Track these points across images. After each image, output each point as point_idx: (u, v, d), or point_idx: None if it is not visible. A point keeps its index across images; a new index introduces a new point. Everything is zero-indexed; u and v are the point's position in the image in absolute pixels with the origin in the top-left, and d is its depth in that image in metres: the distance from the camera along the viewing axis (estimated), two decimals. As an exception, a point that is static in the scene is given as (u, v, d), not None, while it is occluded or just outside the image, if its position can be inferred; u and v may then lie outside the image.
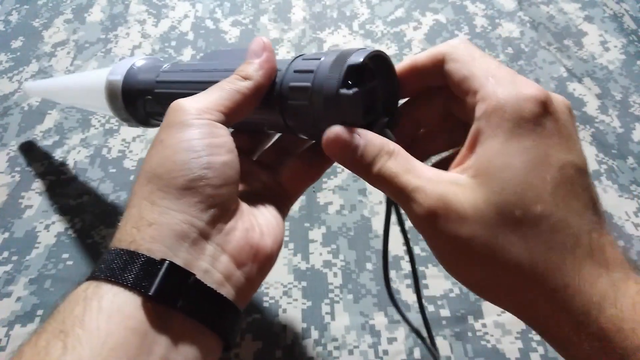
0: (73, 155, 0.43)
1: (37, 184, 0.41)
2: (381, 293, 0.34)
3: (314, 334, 0.32)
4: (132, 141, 0.45)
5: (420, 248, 0.37)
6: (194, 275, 0.19)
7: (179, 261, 0.19)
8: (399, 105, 0.24)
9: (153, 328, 0.17)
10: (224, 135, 0.21)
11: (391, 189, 0.19)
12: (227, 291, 0.20)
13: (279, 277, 0.35)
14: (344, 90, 0.20)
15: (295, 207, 0.39)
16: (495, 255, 0.17)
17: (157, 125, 0.31)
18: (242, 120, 0.23)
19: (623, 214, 0.39)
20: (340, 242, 0.37)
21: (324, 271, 0.36)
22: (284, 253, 0.37)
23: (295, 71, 0.22)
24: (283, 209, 0.25)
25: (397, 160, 0.19)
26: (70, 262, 0.36)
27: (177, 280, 0.18)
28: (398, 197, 0.19)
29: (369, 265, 0.36)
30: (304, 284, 0.35)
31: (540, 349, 0.31)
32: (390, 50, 0.53)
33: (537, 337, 0.32)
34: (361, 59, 0.20)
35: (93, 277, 0.19)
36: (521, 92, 0.18)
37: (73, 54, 0.53)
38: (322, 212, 0.39)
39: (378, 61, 0.22)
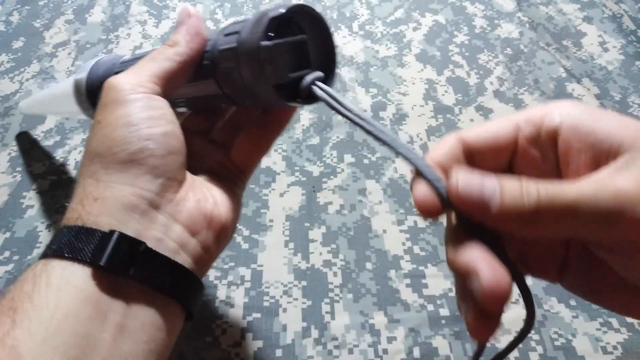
0: (74, 155, 0.44)
1: (39, 184, 0.41)
2: (381, 292, 0.35)
3: (314, 333, 0.32)
4: (133, 141, 0.45)
5: (420, 248, 0.37)
6: (144, 243, 0.19)
7: (129, 232, 0.19)
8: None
9: (106, 297, 0.18)
10: (162, 107, 0.21)
11: (566, 206, 0.14)
12: (182, 259, 0.20)
13: (279, 276, 0.35)
14: (264, 42, 0.20)
15: (295, 207, 0.40)
16: None
17: None
18: (185, 95, 0.23)
19: (622, 214, 0.39)
20: (340, 242, 0.37)
21: (324, 271, 0.36)
22: (284, 253, 0.37)
23: (225, 35, 0.22)
24: (239, 185, 0.25)
25: (551, 183, 0.15)
26: (71, 262, 0.36)
27: (128, 249, 0.18)
28: (581, 209, 0.14)
29: (368, 265, 0.36)
30: (304, 283, 0.35)
31: (539, 348, 0.32)
32: (390, 51, 0.53)
33: (536, 336, 0.32)
34: (283, 11, 0.20)
35: (43, 256, 0.19)
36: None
37: (74, 54, 0.53)
38: (322, 212, 0.39)
39: (306, 17, 0.22)
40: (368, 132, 0.20)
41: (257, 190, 0.41)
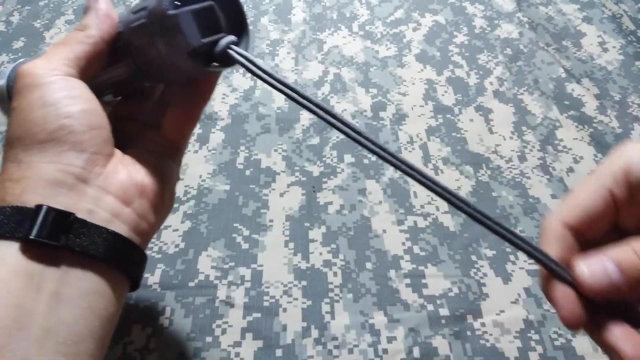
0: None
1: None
2: (381, 292, 0.35)
3: (314, 333, 0.32)
4: (133, 141, 0.45)
5: (420, 248, 0.37)
6: (72, 214, 0.19)
7: (57, 206, 0.19)
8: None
9: (38, 267, 0.18)
10: (79, 88, 0.21)
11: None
12: (117, 227, 0.20)
13: (279, 276, 0.35)
14: (171, 12, 0.20)
15: (295, 207, 0.40)
16: None
17: None
18: (108, 81, 0.23)
19: (621, 214, 0.39)
20: (340, 242, 0.37)
21: (324, 270, 0.36)
22: (284, 252, 0.37)
23: (133, 12, 0.22)
24: (175, 159, 0.26)
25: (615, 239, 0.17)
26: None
27: (55, 220, 0.19)
28: None
29: (368, 265, 0.36)
30: (304, 283, 0.35)
31: (539, 348, 0.32)
32: (389, 51, 0.53)
33: (536, 336, 0.32)
34: None
35: None
36: None
37: (74, 54, 0.53)
38: (322, 211, 0.39)
39: None
40: (291, 98, 0.21)
41: (257, 190, 0.41)
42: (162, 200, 0.23)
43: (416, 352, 0.32)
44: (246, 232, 0.38)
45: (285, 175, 0.42)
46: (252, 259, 0.36)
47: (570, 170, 0.42)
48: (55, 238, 0.18)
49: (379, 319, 0.33)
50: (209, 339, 0.32)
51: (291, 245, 0.37)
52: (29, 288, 0.18)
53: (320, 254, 0.37)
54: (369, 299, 0.34)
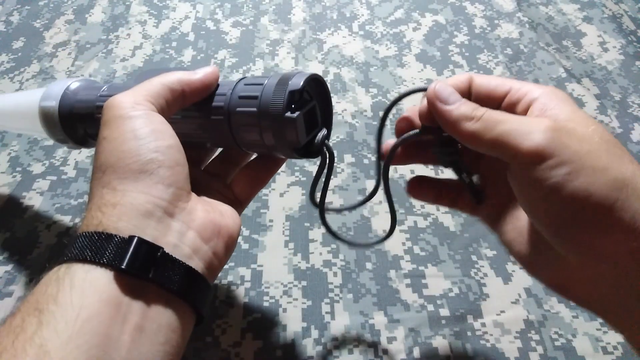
0: (74, 155, 0.44)
1: (38, 184, 0.41)
2: (381, 292, 0.35)
3: (314, 334, 0.32)
4: (133, 141, 0.45)
5: (420, 248, 0.37)
6: (162, 248, 0.20)
7: (147, 237, 0.19)
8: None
9: (126, 298, 0.18)
10: (163, 123, 0.22)
11: (496, 122, 0.20)
12: (195, 264, 0.21)
13: (279, 276, 0.35)
14: (288, 114, 0.22)
15: (295, 207, 0.40)
16: (611, 167, 0.18)
17: (92, 146, 0.32)
18: (186, 129, 0.25)
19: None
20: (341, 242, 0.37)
21: (324, 271, 0.36)
22: (284, 253, 0.37)
23: (241, 97, 0.24)
24: (237, 211, 0.26)
25: (498, 112, 0.21)
26: (71, 262, 0.36)
27: (147, 253, 0.19)
28: (502, 129, 0.20)
29: (368, 265, 0.36)
30: (304, 283, 0.35)
31: (540, 349, 0.32)
32: (389, 51, 0.53)
33: (537, 336, 0.32)
34: (301, 84, 0.23)
35: (65, 260, 0.19)
36: (546, 86, 0.22)
37: (74, 54, 0.53)
38: (322, 212, 0.39)
39: (313, 82, 0.25)
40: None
41: (257, 190, 0.41)
42: (233, 241, 0.24)
43: (416, 352, 0.31)
44: (246, 232, 0.38)
45: (285, 175, 0.42)
46: (252, 259, 0.36)
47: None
48: (145, 271, 0.19)
49: (379, 319, 0.33)
50: (208, 339, 0.32)
51: (291, 245, 0.37)
52: (116, 318, 0.18)
53: (320, 254, 0.37)
54: (369, 299, 0.34)
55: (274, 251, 0.37)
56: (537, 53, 0.53)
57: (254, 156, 0.29)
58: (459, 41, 0.54)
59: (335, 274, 0.36)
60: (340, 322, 0.33)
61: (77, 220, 0.39)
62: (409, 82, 0.50)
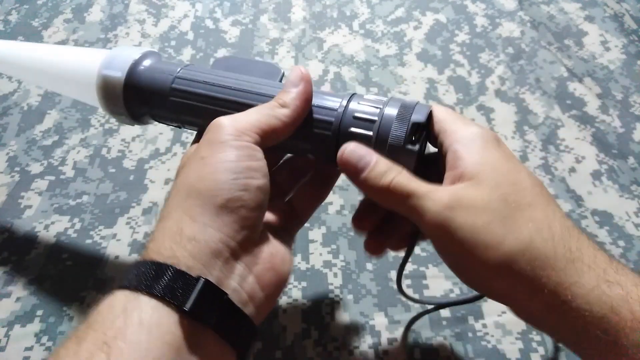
0: (72, 155, 0.43)
1: (37, 184, 0.41)
2: (381, 293, 0.34)
3: (314, 334, 0.32)
4: (132, 141, 0.45)
5: (421, 248, 0.37)
6: (227, 294, 0.20)
7: (212, 279, 0.19)
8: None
9: (187, 344, 0.18)
10: (261, 159, 0.22)
11: (403, 196, 0.21)
12: (249, 311, 0.21)
13: (279, 277, 0.35)
14: (409, 146, 0.22)
15: (295, 207, 0.39)
16: (504, 240, 0.20)
17: (149, 123, 0.30)
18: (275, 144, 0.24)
19: (623, 214, 0.39)
20: (341, 243, 0.37)
21: (324, 271, 0.36)
22: (284, 253, 0.37)
23: (355, 117, 0.24)
24: (293, 233, 0.27)
25: (406, 175, 0.22)
26: (69, 263, 0.36)
27: (211, 298, 0.19)
28: (409, 202, 0.21)
29: (369, 266, 0.36)
30: (304, 284, 0.35)
31: (541, 350, 0.31)
32: (390, 50, 0.53)
33: (538, 338, 0.32)
34: (424, 119, 0.23)
35: (131, 287, 0.19)
36: (477, 128, 0.23)
37: (73, 53, 0.53)
38: (322, 212, 0.39)
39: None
40: None
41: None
42: (285, 287, 0.23)
43: (417, 353, 0.31)
44: (246, 233, 0.38)
45: (285, 175, 0.42)
46: (252, 259, 0.36)
47: (572, 170, 0.42)
48: (209, 317, 0.19)
49: (379, 320, 0.33)
50: (208, 341, 0.32)
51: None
52: None
53: (321, 254, 0.36)
54: (369, 300, 0.34)
55: (273, 252, 0.37)
56: (538, 52, 0.52)
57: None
58: (460, 40, 0.54)
59: (335, 275, 0.35)
60: (341, 323, 0.33)
61: (75, 220, 0.39)
62: (409, 81, 0.50)
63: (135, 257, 0.36)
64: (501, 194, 0.20)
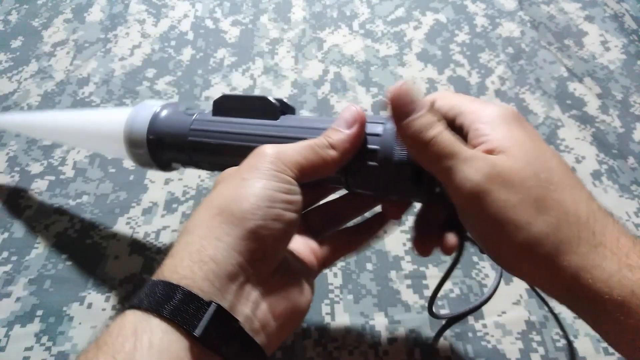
0: (72, 155, 0.43)
1: (37, 184, 0.41)
2: (381, 293, 0.34)
3: (314, 334, 0.32)
4: (132, 141, 0.45)
5: (421, 248, 0.37)
6: (238, 321, 0.19)
7: (225, 304, 0.19)
8: None
9: None
10: (298, 194, 0.22)
11: (442, 155, 0.20)
12: (261, 340, 0.20)
13: (279, 277, 0.35)
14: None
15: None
16: (535, 222, 0.19)
17: (176, 169, 0.32)
18: None
19: (623, 214, 0.39)
20: (341, 243, 0.37)
21: (324, 271, 0.35)
22: (284, 253, 0.36)
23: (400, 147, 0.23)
24: (316, 272, 0.26)
25: (449, 134, 0.21)
26: (69, 263, 0.36)
27: (223, 324, 0.19)
28: (447, 163, 0.20)
29: (369, 266, 0.36)
30: (304, 284, 0.35)
31: (541, 350, 0.31)
32: (390, 50, 0.53)
33: (538, 338, 0.32)
34: None
35: (142, 307, 0.19)
36: (496, 106, 0.22)
37: (72, 53, 0.53)
38: (322, 212, 0.39)
39: None
40: None
41: (257, 190, 0.40)
42: (301, 320, 0.23)
43: (417, 353, 0.31)
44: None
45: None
46: (252, 259, 0.36)
47: (572, 170, 0.42)
48: (219, 345, 0.18)
49: (379, 320, 0.33)
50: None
51: (291, 245, 0.37)
52: None
53: (321, 254, 0.36)
54: (369, 300, 0.34)
55: (273, 252, 0.36)
56: (538, 52, 0.52)
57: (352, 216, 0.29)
58: (460, 40, 0.54)
59: (335, 275, 0.35)
60: (341, 323, 0.33)
61: (75, 220, 0.39)
62: (409, 81, 0.50)
63: (135, 257, 0.36)
64: (534, 172, 0.20)
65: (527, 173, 0.20)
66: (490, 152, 0.20)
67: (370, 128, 0.23)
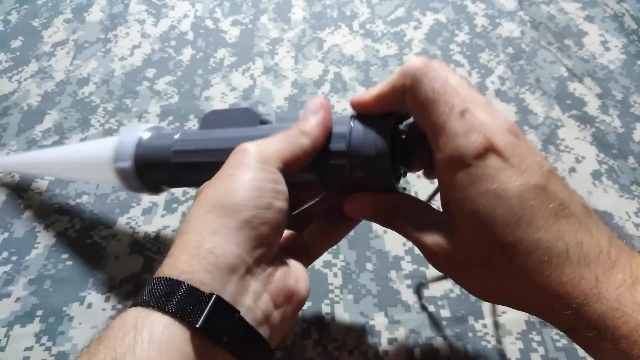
0: (72, 155, 0.43)
1: (37, 184, 0.41)
2: (381, 293, 0.34)
3: (314, 334, 0.32)
4: (132, 141, 0.45)
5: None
6: (239, 312, 0.19)
7: (226, 295, 0.19)
8: None
9: None
10: (283, 184, 0.22)
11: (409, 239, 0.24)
12: (264, 330, 0.20)
13: (279, 277, 0.35)
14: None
15: (295, 207, 0.39)
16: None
17: (164, 191, 0.34)
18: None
19: (623, 214, 0.39)
20: (341, 243, 0.37)
21: (324, 271, 0.36)
22: (284, 253, 0.36)
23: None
24: (305, 264, 0.26)
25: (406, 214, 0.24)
26: (69, 263, 0.36)
27: (224, 315, 0.19)
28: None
29: (369, 266, 0.36)
30: (304, 284, 0.35)
31: (541, 350, 0.31)
32: (390, 50, 0.53)
33: (538, 338, 0.32)
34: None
35: (143, 304, 0.19)
36: (464, 140, 0.20)
37: (72, 53, 0.53)
38: (322, 212, 0.39)
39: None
40: None
41: (257, 190, 0.40)
42: (300, 308, 0.23)
43: (417, 353, 0.31)
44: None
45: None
46: (252, 259, 0.36)
47: (572, 170, 0.42)
48: (220, 334, 0.19)
49: (379, 320, 0.33)
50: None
51: (291, 245, 0.37)
52: None
53: (321, 254, 0.36)
54: (369, 300, 0.34)
55: (273, 252, 0.37)
56: (538, 52, 0.52)
57: (328, 206, 0.29)
58: (460, 40, 0.54)
59: (335, 275, 0.35)
60: (341, 323, 0.33)
61: (75, 220, 0.39)
62: (409, 81, 0.50)
63: (135, 257, 0.36)
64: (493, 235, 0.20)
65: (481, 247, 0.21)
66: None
67: (338, 127, 0.24)
